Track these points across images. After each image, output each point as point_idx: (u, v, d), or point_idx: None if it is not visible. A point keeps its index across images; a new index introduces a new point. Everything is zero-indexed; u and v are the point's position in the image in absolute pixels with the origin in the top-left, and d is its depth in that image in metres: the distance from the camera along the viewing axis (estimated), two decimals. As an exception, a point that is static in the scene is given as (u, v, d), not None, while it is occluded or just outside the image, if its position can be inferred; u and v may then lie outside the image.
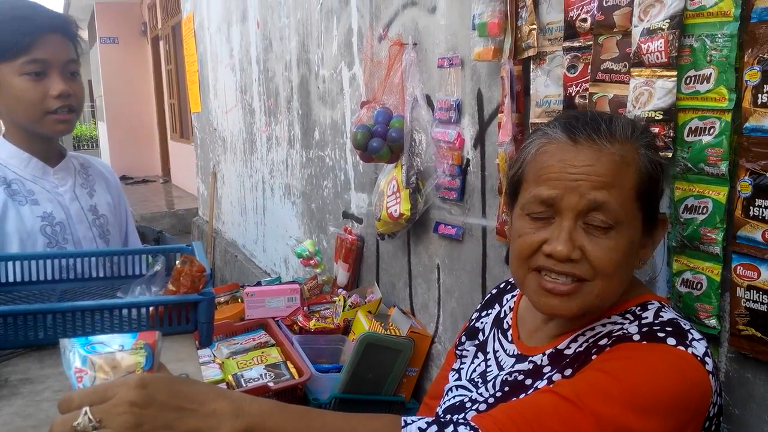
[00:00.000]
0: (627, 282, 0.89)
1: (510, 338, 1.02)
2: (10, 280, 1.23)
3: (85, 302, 1.02)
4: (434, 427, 0.72)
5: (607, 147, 0.84)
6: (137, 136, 10.79)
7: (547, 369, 0.89)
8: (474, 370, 1.04)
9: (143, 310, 1.02)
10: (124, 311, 1.01)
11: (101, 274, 1.30)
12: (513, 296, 1.10)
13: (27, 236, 1.33)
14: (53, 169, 1.41)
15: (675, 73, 1.04)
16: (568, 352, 0.89)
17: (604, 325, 0.88)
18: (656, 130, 1.06)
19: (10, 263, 1.23)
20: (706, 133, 1.02)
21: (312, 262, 2.75)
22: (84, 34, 12.50)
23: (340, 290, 2.61)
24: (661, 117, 1.06)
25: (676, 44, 1.03)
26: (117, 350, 0.69)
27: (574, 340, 0.90)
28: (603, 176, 0.82)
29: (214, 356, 2.18)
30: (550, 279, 0.85)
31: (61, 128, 1.36)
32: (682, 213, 1.07)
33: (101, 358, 0.68)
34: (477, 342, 1.10)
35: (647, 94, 1.08)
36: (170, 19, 8.67)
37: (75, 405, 0.61)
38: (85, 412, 0.59)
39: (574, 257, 0.83)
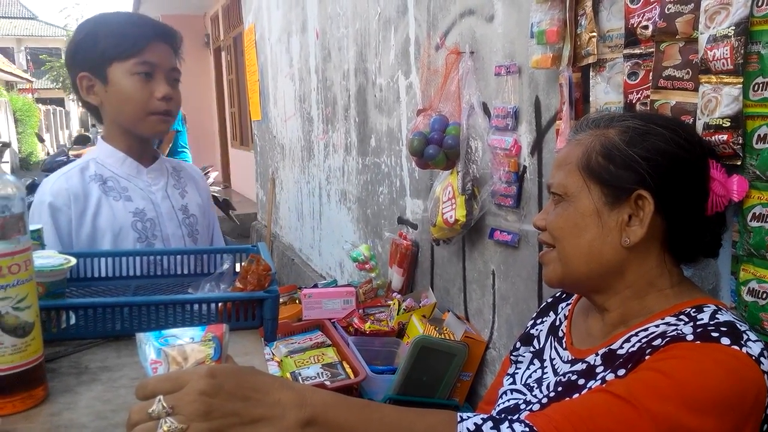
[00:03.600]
0: (598, 253, 0.93)
1: (564, 345, 1.03)
2: (88, 275, 1.31)
3: (160, 297, 1.08)
4: (489, 423, 0.74)
5: (573, 137, 0.99)
6: (199, 143, 11.12)
7: (600, 369, 0.89)
8: (530, 376, 1.05)
9: (212, 305, 1.07)
10: (195, 306, 1.07)
11: (177, 272, 1.37)
12: (568, 304, 1.11)
13: (119, 231, 1.42)
14: (147, 169, 1.50)
15: (741, 80, 1.03)
16: (621, 352, 0.89)
17: (657, 326, 0.88)
18: (724, 137, 1.04)
19: (87, 260, 1.31)
20: (774, 140, 1.00)
21: (367, 266, 2.79)
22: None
23: (394, 294, 2.63)
24: (728, 124, 1.04)
25: (742, 51, 1.02)
26: (188, 342, 0.73)
27: (627, 340, 0.90)
28: (559, 160, 0.99)
29: (273, 354, 2.24)
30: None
31: (160, 128, 1.46)
32: (750, 221, 1.05)
33: (174, 350, 0.71)
34: (533, 349, 1.10)
35: (715, 101, 1.06)
36: (232, 31, 8.95)
37: (150, 390, 0.64)
38: (159, 400, 0.63)
39: (540, 225, 1.00)
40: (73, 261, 1.08)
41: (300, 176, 4.57)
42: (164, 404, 0.63)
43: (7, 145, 13.29)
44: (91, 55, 1.40)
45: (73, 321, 1.05)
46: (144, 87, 1.40)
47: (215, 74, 10.74)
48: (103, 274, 1.32)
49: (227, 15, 9.25)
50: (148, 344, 0.74)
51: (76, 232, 1.39)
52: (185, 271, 1.37)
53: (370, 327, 2.35)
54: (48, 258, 1.06)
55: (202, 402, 0.63)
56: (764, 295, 1.04)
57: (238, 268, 1.22)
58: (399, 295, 2.58)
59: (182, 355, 0.73)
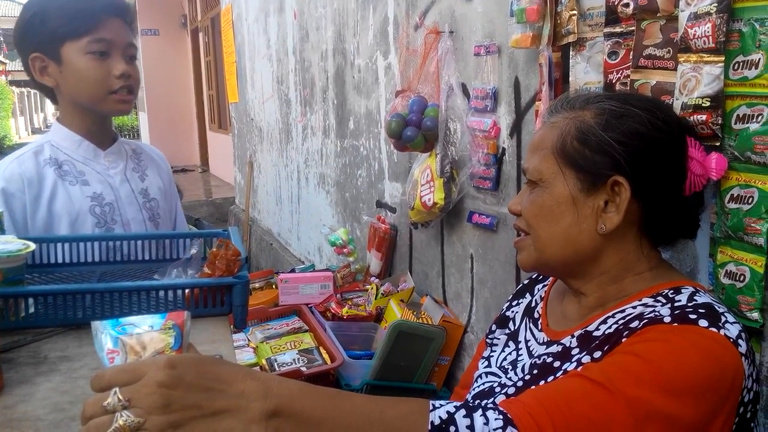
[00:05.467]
0: (574, 241, 0.90)
1: (540, 327, 1.01)
2: (54, 261, 1.26)
3: (123, 283, 1.04)
4: (462, 411, 0.71)
5: (548, 119, 0.95)
6: (177, 126, 10.98)
7: (575, 351, 0.88)
8: (504, 358, 1.04)
9: (179, 292, 1.04)
10: (161, 293, 1.03)
11: (142, 257, 1.33)
12: (544, 286, 1.09)
13: (76, 216, 1.36)
14: (104, 152, 1.44)
15: (722, 58, 1.01)
16: (597, 333, 0.87)
17: (634, 307, 0.87)
18: (704, 117, 1.02)
19: (53, 245, 1.26)
20: (754, 120, 0.99)
21: (345, 250, 2.76)
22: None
23: (372, 278, 2.61)
24: (708, 104, 1.02)
25: (724, 29, 1.00)
26: (147, 331, 0.70)
27: (604, 321, 0.88)
28: (534, 143, 0.95)
29: (249, 340, 2.21)
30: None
31: (121, 107, 1.40)
32: (728, 203, 1.04)
33: (132, 339, 0.68)
34: (508, 331, 1.09)
35: (694, 81, 1.04)
36: (209, 11, 8.78)
37: (105, 382, 0.61)
38: (115, 392, 0.60)
39: (515, 211, 0.97)
40: (32, 246, 1.03)
41: (278, 159, 4.51)
42: (120, 397, 0.60)
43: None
44: (41, 34, 1.33)
45: (32, 309, 1.01)
46: (100, 65, 1.34)
47: (192, 56, 10.55)
48: (67, 260, 1.27)
49: (204, -5, 9.07)
50: (104, 333, 0.70)
51: (31, 218, 1.33)
52: (153, 257, 1.33)
53: (347, 312, 2.33)
54: (5, 243, 1.01)
55: (161, 394, 0.60)
56: (741, 278, 1.03)
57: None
58: (377, 280, 2.56)
59: (140, 344, 0.69)
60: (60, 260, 1.27)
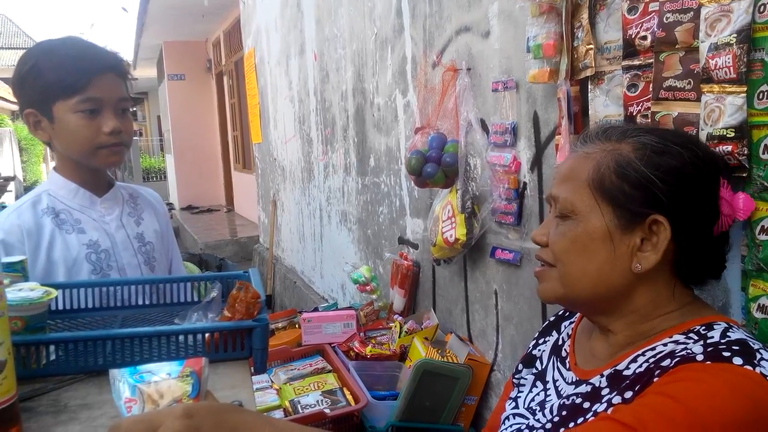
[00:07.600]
0: (606, 279, 0.87)
1: (568, 366, 0.98)
2: (74, 307, 1.27)
3: (143, 329, 1.03)
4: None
5: (581, 148, 0.91)
6: (202, 167, 11.19)
7: (605, 391, 0.84)
8: (533, 399, 1.01)
9: (199, 336, 1.03)
10: (180, 338, 1.02)
11: (162, 301, 1.33)
12: (571, 323, 1.06)
13: (72, 263, 1.38)
14: (100, 199, 1.47)
15: (744, 89, 0.99)
16: (627, 372, 0.84)
17: (665, 345, 0.83)
18: (729, 148, 1.00)
19: (74, 291, 1.27)
20: (782, 150, 0.96)
21: (368, 287, 2.74)
22: (153, 71, 13.15)
23: (396, 316, 2.58)
24: (733, 134, 1.00)
25: (745, 59, 0.98)
26: (164, 378, 0.70)
27: (634, 360, 0.85)
28: (564, 172, 0.92)
29: (272, 382, 2.19)
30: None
31: (111, 160, 1.42)
32: (759, 234, 1.00)
33: (149, 388, 0.68)
34: (535, 371, 1.06)
35: (718, 111, 1.03)
36: (233, 55, 9.01)
37: None
38: None
39: (540, 241, 0.93)
40: (54, 293, 1.04)
41: (301, 198, 4.54)
42: None
43: (10, 179, 13.51)
44: (35, 92, 1.35)
45: (53, 356, 1.01)
46: (90, 123, 1.36)
47: (217, 99, 10.81)
48: (90, 305, 1.28)
49: (228, 40, 9.33)
50: (122, 381, 0.70)
51: (31, 267, 1.34)
52: (175, 300, 1.33)
53: (371, 351, 2.30)
54: (28, 291, 1.02)
55: None
56: (778, 313, 0.99)
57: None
58: (400, 317, 2.53)
59: (158, 392, 0.69)
60: (84, 305, 1.28)
